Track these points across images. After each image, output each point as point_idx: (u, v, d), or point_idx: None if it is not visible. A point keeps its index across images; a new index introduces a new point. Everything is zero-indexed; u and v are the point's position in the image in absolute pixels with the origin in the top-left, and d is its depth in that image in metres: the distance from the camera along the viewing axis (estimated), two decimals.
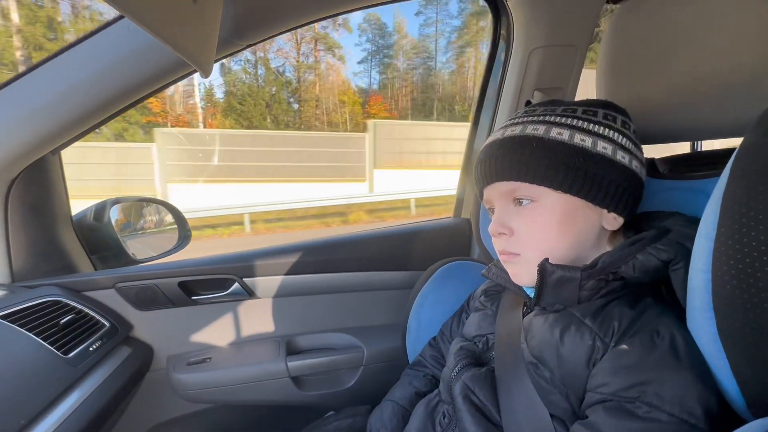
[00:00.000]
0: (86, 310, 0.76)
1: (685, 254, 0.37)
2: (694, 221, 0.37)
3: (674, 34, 0.47)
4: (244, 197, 7.47)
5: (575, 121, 0.43)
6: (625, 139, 0.43)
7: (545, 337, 0.42)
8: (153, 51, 0.65)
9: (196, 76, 0.72)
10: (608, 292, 0.41)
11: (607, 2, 0.91)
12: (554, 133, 0.42)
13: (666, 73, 0.49)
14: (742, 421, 0.30)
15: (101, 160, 8.02)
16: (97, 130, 0.79)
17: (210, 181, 8.54)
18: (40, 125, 0.67)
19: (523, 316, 0.48)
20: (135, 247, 0.97)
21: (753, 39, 0.42)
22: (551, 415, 0.40)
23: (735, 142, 0.35)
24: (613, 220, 0.44)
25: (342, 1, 0.75)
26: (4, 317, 0.62)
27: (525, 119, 0.45)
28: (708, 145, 0.67)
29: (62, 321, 0.69)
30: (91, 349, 0.70)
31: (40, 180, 0.77)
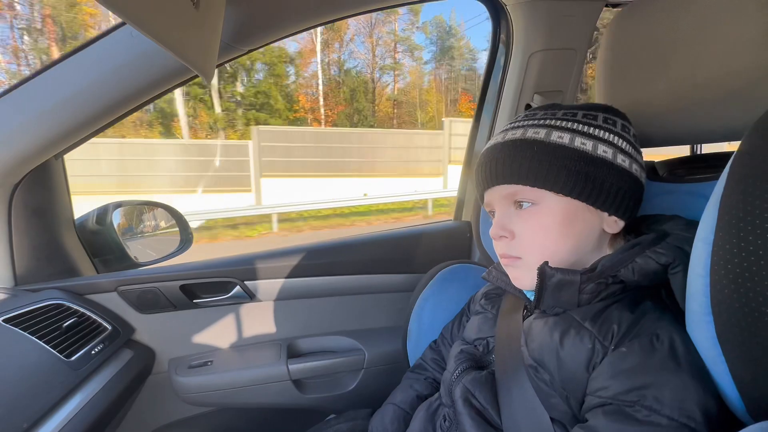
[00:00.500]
0: (88, 313, 0.77)
1: (683, 258, 0.38)
2: (693, 225, 0.37)
3: (673, 38, 0.48)
4: (348, 191, 8.02)
5: (576, 124, 0.43)
6: (625, 143, 0.44)
7: (545, 340, 0.42)
8: (155, 57, 0.65)
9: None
10: (608, 296, 0.41)
11: (606, 6, 0.92)
12: (555, 136, 0.42)
13: (665, 77, 0.49)
14: (742, 425, 0.30)
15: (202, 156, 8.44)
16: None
17: (300, 176, 8.88)
18: (44, 130, 0.68)
19: (523, 319, 0.48)
20: (137, 250, 0.97)
21: (751, 44, 0.42)
22: (551, 419, 0.40)
23: (736, 145, 0.35)
24: (614, 224, 0.44)
25: (342, 6, 0.76)
26: (7, 321, 0.63)
27: (526, 123, 0.46)
28: (708, 148, 0.68)
29: (65, 324, 0.69)
30: (93, 352, 0.70)
31: (43, 184, 0.77)
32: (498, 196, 0.46)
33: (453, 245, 1.06)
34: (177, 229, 1.02)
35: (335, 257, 0.96)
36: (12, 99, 0.66)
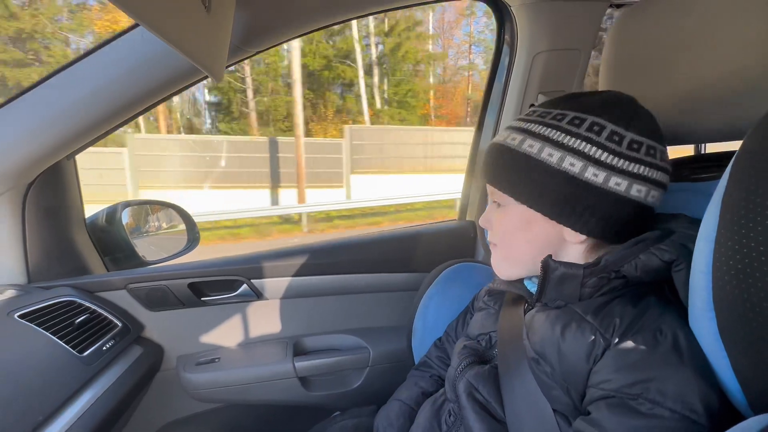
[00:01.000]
0: (99, 310, 0.78)
1: (687, 255, 0.38)
2: (697, 223, 0.37)
3: (676, 38, 0.48)
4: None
5: (553, 132, 0.43)
6: (605, 155, 0.40)
7: (546, 333, 0.42)
8: (165, 58, 0.67)
9: None
10: (610, 290, 0.41)
11: (610, 6, 0.92)
12: (526, 145, 0.44)
13: (669, 77, 0.50)
14: (744, 418, 0.31)
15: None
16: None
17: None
18: (57, 131, 0.69)
19: (525, 313, 0.49)
20: (145, 249, 0.99)
21: (754, 43, 0.42)
22: (554, 410, 0.40)
23: (739, 144, 0.36)
24: (575, 235, 0.44)
25: (349, 7, 0.77)
26: (22, 316, 0.64)
27: (517, 124, 0.47)
28: (711, 147, 0.68)
29: (77, 321, 0.71)
30: (104, 348, 0.72)
31: (55, 184, 0.79)
32: (488, 191, 0.51)
33: (457, 244, 1.06)
34: (185, 228, 1.04)
35: (341, 256, 0.97)
36: (26, 101, 0.67)
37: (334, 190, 8.74)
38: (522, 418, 0.42)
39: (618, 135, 0.41)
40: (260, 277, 0.92)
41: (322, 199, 8.22)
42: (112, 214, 0.96)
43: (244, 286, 0.91)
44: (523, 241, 0.47)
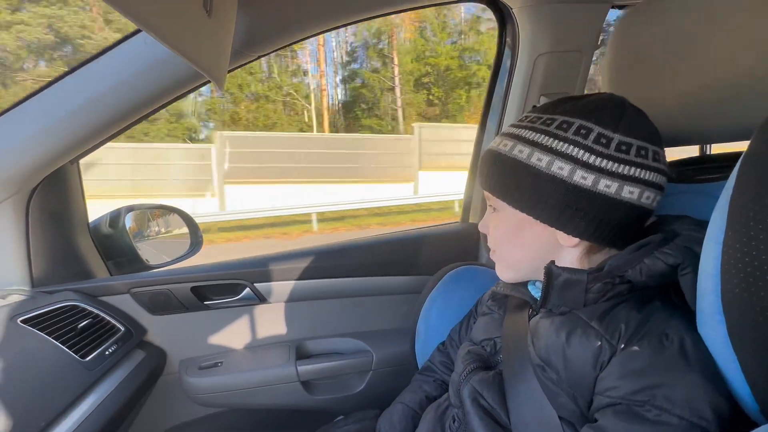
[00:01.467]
0: (102, 314, 0.78)
1: (693, 258, 0.38)
2: (703, 224, 0.37)
3: (679, 39, 0.48)
4: None
5: (541, 136, 0.43)
6: (593, 157, 0.40)
7: (551, 339, 0.42)
8: (168, 64, 0.67)
9: None
10: (615, 295, 0.41)
11: (612, 7, 0.92)
12: (516, 150, 0.44)
13: (672, 77, 0.49)
14: (755, 425, 0.30)
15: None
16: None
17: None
18: (61, 136, 0.69)
19: (529, 319, 0.48)
20: (148, 252, 0.99)
21: (758, 44, 0.42)
22: (560, 418, 0.40)
23: (746, 144, 0.35)
24: (568, 239, 0.43)
25: (350, 11, 0.77)
26: (25, 321, 0.64)
27: (509, 130, 0.48)
28: (717, 148, 0.67)
29: (80, 325, 0.71)
30: (107, 352, 0.72)
31: (59, 188, 0.79)
32: (485, 196, 0.51)
33: (460, 247, 1.06)
34: (188, 232, 1.04)
35: (343, 259, 0.97)
36: (30, 107, 0.68)
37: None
38: (528, 425, 0.41)
39: (605, 137, 0.41)
40: (263, 280, 0.91)
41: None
42: (115, 218, 0.96)
43: (247, 289, 0.91)
44: (519, 245, 0.48)
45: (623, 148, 0.41)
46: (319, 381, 0.93)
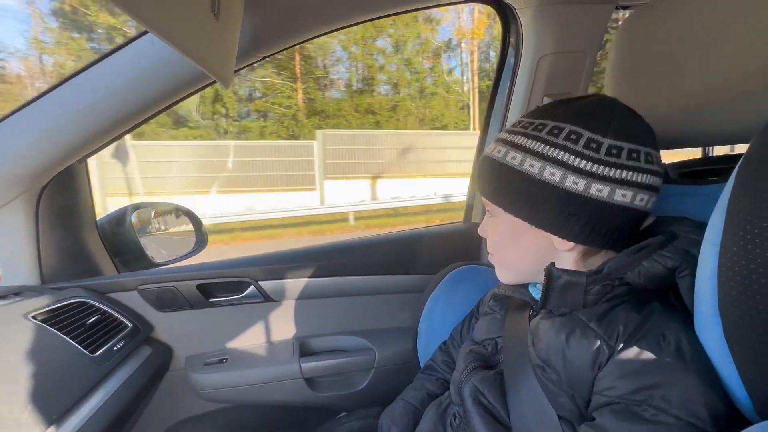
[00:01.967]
0: (110, 311, 0.80)
1: (691, 261, 0.38)
2: (702, 227, 0.37)
3: (683, 41, 0.48)
4: None
5: (533, 143, 0.43)
6: (584, 162, 0.41)
7: (551, 340, 0.43)
8: (175, 64, 0.68)
9: None
10: (613, 297, 0.41)
11: (617, 8, 0.92)
12: (509, 157, 0.45)
13: (675, 79, 0.50)
14: (750, 423, 0.31)
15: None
16: None
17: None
18: (70, 136, 0.71)
19: (530, 320, 0.49)
20: (154, 250, 1.01)
21: (761, 47, 0.42)
22: (559, 417, 0.41)
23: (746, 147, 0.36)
24: (563, 243, 0.44)
25: (355, 11, 0.78)
26: (36, 317, 0.66)
27: (502, 136, 0.48)
28: (720, 150, 0.67)
29: (89, 321, 0.72)
30: (115, 348, 0.73)
31: (68, 187, 0.81)
32: (483, 201, 0.52)
33: (462, 247, 1.07)
34: (193, 230, 1.05)
35: (347, 258, 0.98)
36: (40, 106, 0.69)
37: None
38: (528, 424, 0.42)
39: (595, 142, 0.41)
40: (267, 278, 0.93)
41: None
42: (122, 216, 0.97)
43: (252, 287, 0.92)
44: (515, 250, 0.49)
45: (614, 151, 0.41)
46: (323, 378, 0.94)
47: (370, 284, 0.99)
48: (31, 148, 0.70)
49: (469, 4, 0.95)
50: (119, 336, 0.76)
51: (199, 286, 0.89)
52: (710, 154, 0.72)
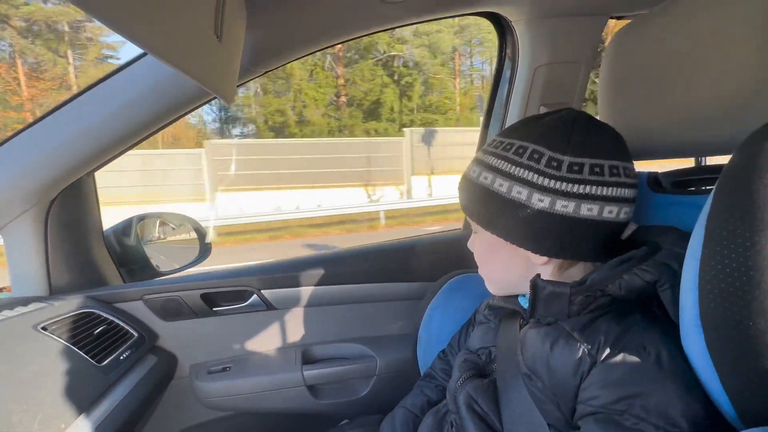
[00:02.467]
0: (117, 320, 0.81)
1: (669, 276, 0.39)
2: (686, 238, 0.38)
3: (675, 53, 0.48)
4: None
5: (502, 162, 0.46)
6: (547, 180, 0.42)
7: (537, 349, 0.44)
8: (180, 81, 0.70)
9: None
10: (597, 308, 0.42)
11: (611, 18, 0.93)
12: (482, 177, 0.47)
13: (666, 91, 0.50)
14: (735, 430, 0.32)
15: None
16: None
17: None
18: (79, 151, 0.73)
19: (520, 329, 0.50)
20: (159, 260, 1.03)
21: (746, 61, 0.43)
22: (548, 425, 0.42)
23: None
24: (537, 257, 0.46)
25: (354, 27, 0.80)
26: (45, 328, 0.68)
27: (478, 156, 0.51)
28: (713, 159, 0.68)
29: (96, 331, 0.74)
30: (121, 358, 0.75)
31: (76, 199, 0.83)
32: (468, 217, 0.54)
33: (461, 254, 1.07)
34: (197, 239, 1.07)
35: (347, 266, 0.99)
36: (49, 124, 0.71)
37: None
38: (519, 431, 0.43)
39: (556, 160, 0.43)
40: (270, 287, 0.94)
41: None
42: (127, 227, 1.00)
43: (254, 296, 0.93)
44: (495, 264, 0.52)
45: (575, 168, 0.42)
46: (325, 385, 0.95)
47: (371, 292, 1.00)
48: (41, 164, 0.73)
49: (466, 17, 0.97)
50: (125, 345, 0.78)
51: (203, 296, 0.91)
52: (702, 164, 0.73)
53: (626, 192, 0.44)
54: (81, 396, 0.62)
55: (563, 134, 0.44)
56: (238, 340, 0.97)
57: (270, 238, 7.34)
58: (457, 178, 0.54)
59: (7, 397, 0.53)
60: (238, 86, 0.77)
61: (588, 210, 0.42)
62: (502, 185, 0.45)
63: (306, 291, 0.96)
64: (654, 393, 0.35)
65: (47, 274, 0.80)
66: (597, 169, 0.42)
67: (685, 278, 0.35)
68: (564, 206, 0.42)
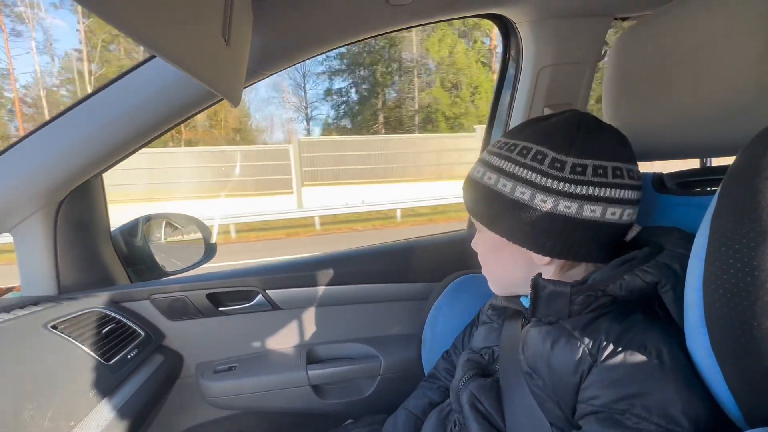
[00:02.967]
0: (124, 320, 0.82)
1: (671, 277, 0.39)
2: (690, 239, 0.38)
3: (679, 54, 0.48)
4: None
5: (506, 163, 0.46)
6: (550, 181, 0.42)
7: (538, 348, 0.44)
8: (187, 83, 0.71)
9: None
10: (598, 307, 0.42)
11: (616, 19, 0.93)
12: (486, 177, 0.48)
13: (671, 92, 0.51)
14: (740, 430, 0.32)
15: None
16: None
17: None
18: (88, 153, 0.74)
19: (522, 328, 0.51)
20: (165, 260, 1.04)
21: (751, 61, 0.43)
22: (550, 423, 0.42)
23: None
24: (539, 258, 0.46)
25: (360, 29, 0.80)
26: (54, 327, 0.69)
27: (482, 157, 0.51)
28: (718, 159, 0.68)
29: (104, 330, 0.75)
30: (129, 356, 0.76)
31: (84, 200, 0.84)
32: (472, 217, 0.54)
33: (465, 255, 1.08)
34: (202, 239, 1.08)
35: (353, 267, 1.00)
36: (59, 126, 0.72)
37: None
38: (522, 430, 0.43)
39: (559, 161, 0.43)
40: (275, 287, 0.95)
41: None
42: (134, 227, 1.01)
43: (260, 296, 0.94)
44: (498, 263, 0.52)
45: (578, 169, 0.42)
46: (330, 385, 0.95)
47: (376, 292, 1.01)
48: (51, 166, 0.74)
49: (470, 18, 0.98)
50: (133, 344, 0.79)
51: (209, 295, 0.92)
52: (708, 164, 0.73)
53: (629, 194, 0.44)
54: (90, 394, 0.63)
55: (567, 135, 0.44)
56: (244, 340, 0.97)
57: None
58: None
59: (19, 395, 0.54)
60: (244, 88, 0.78)
61: (591, 211, 0.42)
62: (505, 185, 0.45)
63: (310, 291, 0.97)
64: (655, 392, 0.35)
65: (56, 274, 0.82)
66: (600, 171, 0.42)
67: (690, 278, 0.35)
68: (567, 207, 0.42)
